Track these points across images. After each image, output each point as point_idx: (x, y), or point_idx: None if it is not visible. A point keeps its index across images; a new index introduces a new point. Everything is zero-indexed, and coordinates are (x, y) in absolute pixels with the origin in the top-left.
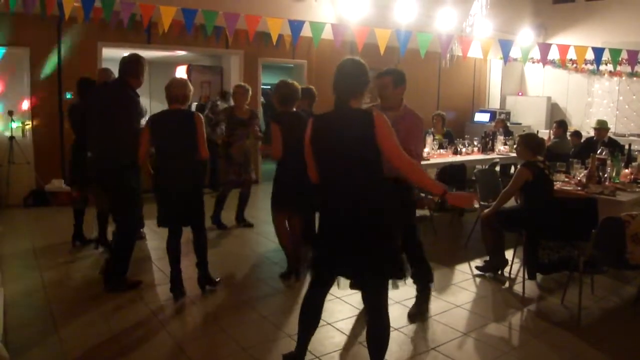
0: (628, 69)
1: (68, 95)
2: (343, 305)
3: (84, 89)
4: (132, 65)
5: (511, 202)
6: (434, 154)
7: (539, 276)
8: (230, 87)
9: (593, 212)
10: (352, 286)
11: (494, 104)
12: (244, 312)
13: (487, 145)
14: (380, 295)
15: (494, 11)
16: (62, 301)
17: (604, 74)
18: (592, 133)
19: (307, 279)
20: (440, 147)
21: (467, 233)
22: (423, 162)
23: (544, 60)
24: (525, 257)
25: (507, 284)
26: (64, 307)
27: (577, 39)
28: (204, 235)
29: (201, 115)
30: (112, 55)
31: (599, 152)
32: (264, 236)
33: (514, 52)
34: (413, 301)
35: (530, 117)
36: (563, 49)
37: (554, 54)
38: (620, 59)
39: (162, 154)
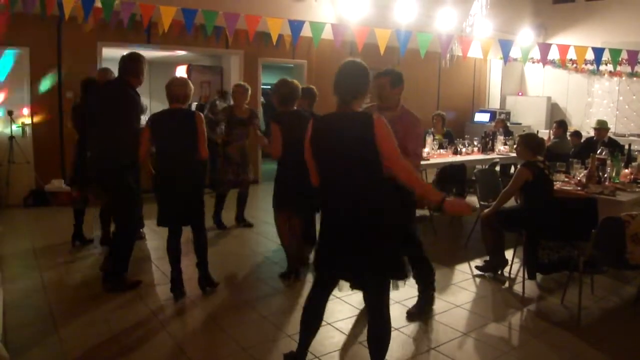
0: (628, 69)
1: (68, 96)
2: (343, 305)
3: (88, 89)
4: (132, 64)
5: (511, 202)
6: (434, 154)
7: (538, 276)
8: (230, 87)
9: (593, 212)
10: (353, 286)
11: (494, 104)
12: (244, 312)
13: (487, 145)
14: (381, 296)
15: (494, 11)
16: (62, 301)
17: (604, 74)
18: (592, 133)
19: (308, 279)
20: (440, 147)
21: (467, 233)
22: (423, 162)
23: (544, 60)
24: (525, 257)
25: (507, 284)
26: (64, 307)
27: (577, 39)
28: (204, 236)
29: (202, 115)
30: (112, 55)
31: (599, 152)
32: (264, 236)
33: (514, 52)
34: (413, 301)
35: (530, 117)
36: (563, 49)
37: (554, 54)
38: (620, 59)
39: (162, 154)
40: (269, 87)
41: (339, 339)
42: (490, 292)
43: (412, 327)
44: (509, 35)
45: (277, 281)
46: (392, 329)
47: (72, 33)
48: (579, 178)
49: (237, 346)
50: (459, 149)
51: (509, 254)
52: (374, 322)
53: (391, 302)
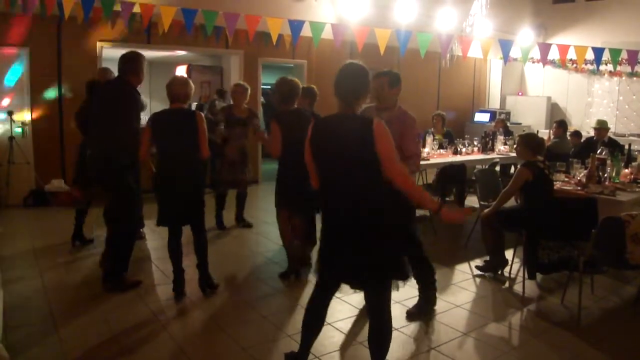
0: (628, 69)
1: (67, 95)
2: (343, 305)
3: (93, 90)
4: (131, 63)
5: (511, 202)
6: (434, 154)
7: (538, 276)
8: (230, 88)
9: (593, 212)
10: (353, 286)
11: (494, 104)
12: (244, 312)
13: (487, 145)
14: (381, 296)
15: (494, 11)
16: (62, 301)
17: (604, 74)
18: (592, 133)
19: (309, 280)
20: (440, 147)
21: (467, 233)
22: (423, 162)
23: (544, 60)
24: (525, 257)
25: (507, 284)
26: (64, 307)
27: (577, 39)
28: (204, 237)
29: (202, 114)
30: (112, 55)
31: (598, 152)
32: (264, 236)
33: (514, 52)
34: (413, 301)
35: (530, 117)
36: (563, 49)
37: (554, 54)
38: (620, 59)
39: (163, 153)
40: (269, 87)
41: (339, 339)
42: (490, 292)
43: (412, 327)
44: (509, 35)
45: (277, 281)
46: (393, 329)
47: (72, 33)
48: (579, 178)
49: (237, 346)
50: (459, 149)
51: (509, 254)
52: (375, 322)
53: (392, 302)
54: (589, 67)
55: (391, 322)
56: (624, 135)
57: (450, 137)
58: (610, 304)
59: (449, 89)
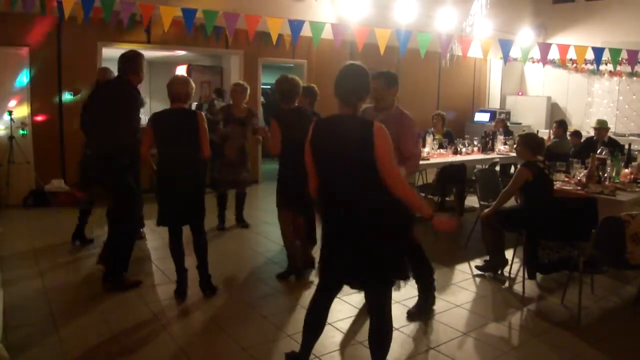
0: (628, 68)
1: (68, 95)
2: (343, 305)
3: (93, 90)
4: (131, 62)
5: (511, 202)
6: (434, 154)
7: (538, 276)
8: (229, 87)
9: (593, 212)
10: (353, 286)
11: (494, 103)
12: (244, 312)
13: (487, 145)
14: (382, 296)
15: (494, 11)
16: (62, 301)
17: (604, 74)
18: (592, 133)
19: (309, 280)
20: (440, 147)
21: (467, 233)
22: (423, 162)
23: (544, 60)
24: (525, 257)
25: (507, 284)
26: (64, 307)
27: (577, 38)
28: (204, 238)
29: (203, 114)
30: (112, 55)
31: (599, 151)
32: (264, 236)
33: (514, 52)
34: (413, 301)
35: (530, 117)
36: (563, 48)
37: (554, 54)
38: (620, 59)
39: (163, 153)
40: (269, 87)
41: (339, 339)
42: (490, 292)
43: (412, 327)
44: (509, 35)
45: (277, 281)
46: (393, 328)
47: (72, 33)
48: (579, 178)
49: (237, 346)
50: (459, 149)
51: (509, 254)
52: (375, 322)
53: (391, 302)
54: (589, 67)
55: (391, 322)
56: (624, 135)
57: (450, 137)
58: (610, 304)
59: (449, 89)
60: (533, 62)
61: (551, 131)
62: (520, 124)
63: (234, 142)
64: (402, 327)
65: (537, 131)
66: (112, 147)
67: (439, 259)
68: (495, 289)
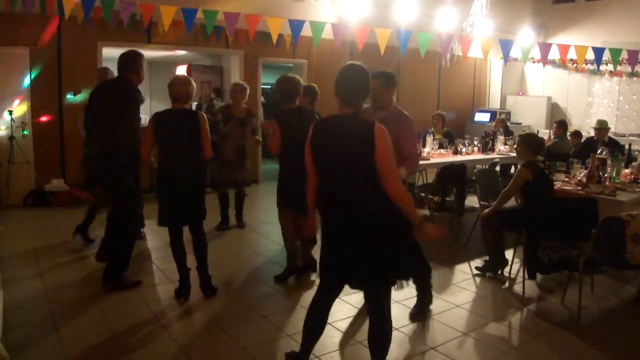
0: (628, 68)
1: (69, 96)
2: (343, 305)
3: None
4: (131, 62)
5: (511, 202)
6: (434, 154)
7: (538, 276)
8: (229, 87)
9: (593, 212)
10: (353, 286)
11: (494, 103)
12: (244, 312)
13: (487, 145)
14: (381, 296)
15: (494, 11)
16: (62, 301)
17: (604, 74)
18: (592, 133)
19: (310, 280)
20: (441, 146)
21: (467, 233)
22: (423, 162)
23: (544, 60)
24: (525, 257)
25: (507, 284)
26: (64, 307)
27: (577, 38)
28: (204, 239)
29: (204, 115)
30: (112, 55)
31: (599, 152)
32: (264, 236)
33: (514, 52)
34: (413, 301)
35: (531, 117)
36: (563, 48)
37: (554, 54)
38: (620, 59)
39: (164, 153)
40: (269, 86)
41: (339, 339)
42: (490, 292)
43: (412, 327)
44: (509, 35)
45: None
46: (393, 328)
47: (72, 32)
48: (579, 178)
49: (237, 346)
50: (459, 149)
51: (509, 254)
52: (375, 322)
53: (392, 302)
54: (589, 67)
55: (391, 321)
56: (624, 135)
57: (451, 137)
58: (610, 304)
59: (449, 89)
60: (533, 62)
61: (551, 131)
62: (520, 124)
63: (232, 142)
64: (402, 327)
65: (537, 131)
66: (112, 146)
67: (439, 259)
68: (495, 289)
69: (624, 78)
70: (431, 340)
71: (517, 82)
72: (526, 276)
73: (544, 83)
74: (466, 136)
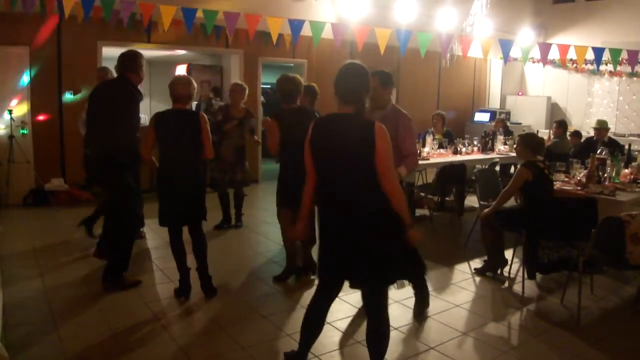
0: (628, 69)
1: (68, 95)
2: (342, 304)
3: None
4: (131, 62)
5: (511, 202)
6: (434, 154)
7: (538, 276)
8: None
9: (593, 212)
10: (352, 285)
11: (494, 103)
12: (244, 312)
13: (487, 145)
14: (380, 295)
15: (494, 11)
16: (62, 300)
17: (604, 74)
18: (592, 133)
19: (310, 280)
20: (440, 146)
21: (467, 233)
22: (423, 162)
23: (544, 60)
24: (524, 256)
25: (506, 284)
26: (64, 306)
27: (577, 38)
28: (203, 239)
29: (205, 116)
30: (112, 55)
31: (598, 152)
32: (264, 236)
33: (514, 52)
34: (412, 301)
35: (530, 117)
36: (563, 48)
37: (554, 54)
38: (620, 59)
39: (165, 154)
40: (269, 86)
41: (338, 338)
42: (489, 291)
43: (411, 327)
44: (509, 35)
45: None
46: (392, 328)
47: (72, 32)
48: (579, 178)
49: (237, 345)
50: (459, 149)
51: (508, 253)
52: (373, 322)
53: (390, 301)
54: (589, 67)
55: (388, 320)
56: (624, 135)
57: (450, 137)
58: (610, 304)
59: (449, 89)
60: (533, 62)
61: (551, 131)
62: (520, 124)
63: (231, 142)
64: (402, 327)
65: (537, 131)
66: (112, 146)
67: (439, 258)
68: (495, 289)
69: (623, 78)
70: (431, 340)
71: (517, 82)
72: (526, 276)
73: (544, 83)
74: (466, 136)
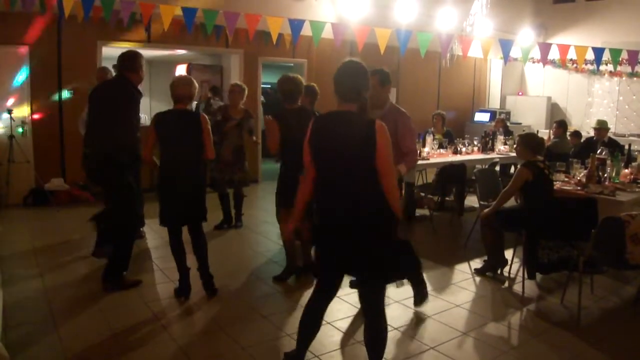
0: (628, 69)
1: (67, 94)
2: (342, 304)
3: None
4: (131, 62)
5: (511, 202)
6: (434, 154)
7: (538, 276)
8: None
9: (593, 212)
10: (352, 285)
11: (494, 103)
12: (244, 311)
13: (487, 145)
14: (378, 295)
15: (494, 11)
16: (62, 300)
17: (604, 74)
18: (592, 133)
19: (309, 280)
20: (440, 146)
21: (467, 233)
22: (423, 162)
23: (544, 60)
24: (524, 256)
25: (506, 284)
26: (64, 306)
27: (577, 38)
28: (204, 239)
29: (206, 116)
30: (112, 54)
31: (598, 152)
32: (264, 236)
33: (514, 52)
34: (412, 301)
35: (530, 117)
36: (563, 48)
37: (554, 54)
38: (620, 59)
39: (166, 154)
40: (269, 86)
41: (338, 338)
42: (489, 291)
43: (411, 327)
44: (509, 35)
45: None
46: (392, 328)
47: (72, 31)
48: (579, 178)
49: (237, 345)
50: (459, 149)
51: (508, 253)
52: (371, 322)
53: (390, 301)
54: (589, 67)
55: (386, 320)
56: (624, 136)
57: (450, 137)
58: (610, 304)
59: (449, 89)
60: (533, 62)
61: (551, 131)
62: (520, 124)
63: (230, 142)
64: (401, 326)
65: (537, 131)
66: (112, 146)
67: (439, 258)
68: (495, 288)
69: (623, 78)
70: (431, 339)
71: (517, 82)
72: (526, 276)
73: (544, 83)
74: (466, 136)
